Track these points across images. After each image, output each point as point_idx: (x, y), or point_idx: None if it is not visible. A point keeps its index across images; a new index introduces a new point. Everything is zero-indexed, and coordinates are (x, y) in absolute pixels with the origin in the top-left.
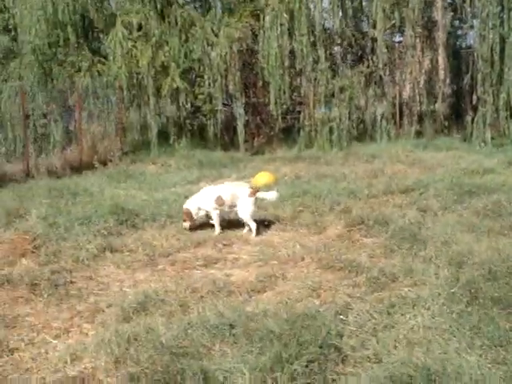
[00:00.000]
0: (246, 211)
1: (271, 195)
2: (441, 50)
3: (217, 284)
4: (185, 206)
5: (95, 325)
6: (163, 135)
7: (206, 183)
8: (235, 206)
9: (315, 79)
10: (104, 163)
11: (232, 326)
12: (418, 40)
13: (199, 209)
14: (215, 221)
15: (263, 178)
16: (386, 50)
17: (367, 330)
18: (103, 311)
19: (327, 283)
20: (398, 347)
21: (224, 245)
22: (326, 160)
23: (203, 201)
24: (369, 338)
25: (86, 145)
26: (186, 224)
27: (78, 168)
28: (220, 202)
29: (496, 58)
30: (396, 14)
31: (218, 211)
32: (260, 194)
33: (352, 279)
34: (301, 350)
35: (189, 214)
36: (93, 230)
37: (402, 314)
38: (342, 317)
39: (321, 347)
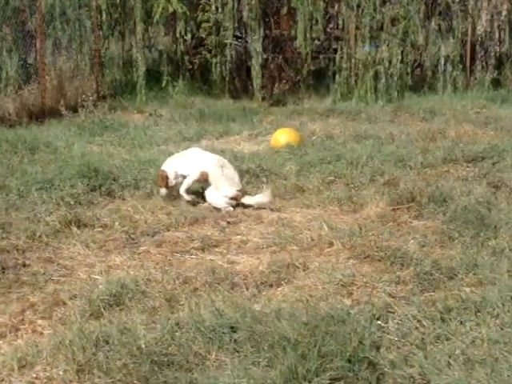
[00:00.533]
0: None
1: (260, 199)
2: None
3: (216, 274)
4: (162, 167)
5: (53, 321)
6: (153, 76)
7: (208, 141)
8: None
9: (358, 6)
10: (74, 110)
11: (234, 329)
12: None
13: (178, 176)
14: (182, 187)
15: (284, 136)
16: None
17: (413, 341)
18: (64, 304)
19: (362, 278)
20: (452, 365)
21: (228, 223)
22: (368, 115)
23: (184, 167)
24: (414, 352)
25: (49, 84)
26: (162, 190)
27: (39, 115)
28: (204, 177)
29: None
30: None
31: (195, 184)
32: (246, 200)
33: (395, 274)
34: (323, 363)
35: (164, 179)
36: (55, 198)
37: (461, 323)
38: (379, 322)
39: (350, 361)
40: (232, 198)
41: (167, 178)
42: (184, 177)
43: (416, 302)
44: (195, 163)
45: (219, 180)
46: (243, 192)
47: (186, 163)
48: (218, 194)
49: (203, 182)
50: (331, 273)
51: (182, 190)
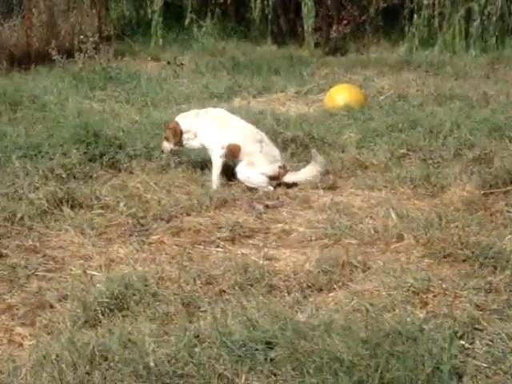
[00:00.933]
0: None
1: (307, 173)
2: None
3: (250, 272)
4: (177, 119)
5: (36, 329)
6: (174, 12)
7: (242, 100)
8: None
9: None
10: (68, 54)
11: (270, 346)
12: None
13: (195, 135)
14: (214, 171)
15: (342, 94)
16: None
17: (507, 368)
18: (51, 307)
19: (440, 283)
20: None
21: (267, 206)
22: (455, 69)
23: (206, 133)
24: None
25: (37, 20)
26: (167, 145)
27: (23, 60)
28: (234, 153)
29: None
30: None
31: (223, 159)
32: (289, 177)
33: (485, 279)
34: None
35: (176, 133)
36: (42, 169)
37: None
38: (462, 342)
39: None
40: (273, 178)
41: (181, 133)
42: (202, 146)
43: None
44: (221, 132)
45: (256, 156)
46: (286, 169)
47: (208, 128)
48: (254, 171)
49: (231, 157)
50: (400, 275)
51: (214, 176)
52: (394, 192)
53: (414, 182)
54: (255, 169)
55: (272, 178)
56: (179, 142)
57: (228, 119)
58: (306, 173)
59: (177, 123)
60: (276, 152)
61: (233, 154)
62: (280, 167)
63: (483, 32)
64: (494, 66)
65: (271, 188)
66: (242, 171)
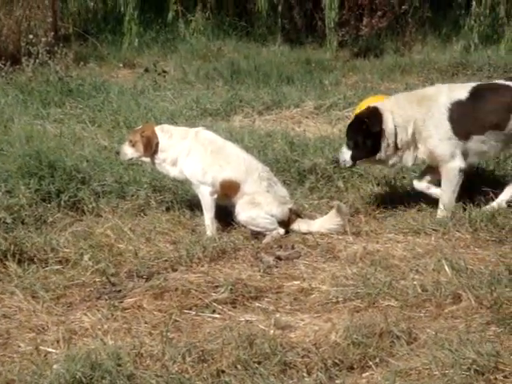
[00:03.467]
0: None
1: (326, 223)
2: None
3: (257, 346)
4: (156, 128)
5: None
6: (152, 2)
7: (244, 118)
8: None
9: None
10: (14, 60)
11: None
12: None
13: (174, 162)
14: (206, 214)
15: None
16: None
17: None
18: None
19: None
20: None
21: (278, 258)
22: None
23: (196, 160)
24: None
25: None
26: (128, 153)
27: None
28: (230, 190)
29: None
30: None
31: (212, 194)
32: (301, 225)
33: None
34: None
35: (149, 145)
36: None
37: None
38: None
39: None
40: (281, 224)
41: (156, 147)
42: (184, 178)
43: None
44: (215, 163)
45: (260, 196)
46: (297, 214)
47: (197, 156)
48: (260, 211)
49: (224, 197)
50: (457, 348)
51: (208, 220)
52: (447, 237)
53: (473, 223)
54: (261, 208)
55: (280, 224)
56: (149, 157)
57: (224, 147)
58: (323, 224)
59: (154, 133)
60: (285, 192)
61: (226, 194)
62: (290, 210)
63: None
64: None
65: (282, 231)
66: (244, 211)
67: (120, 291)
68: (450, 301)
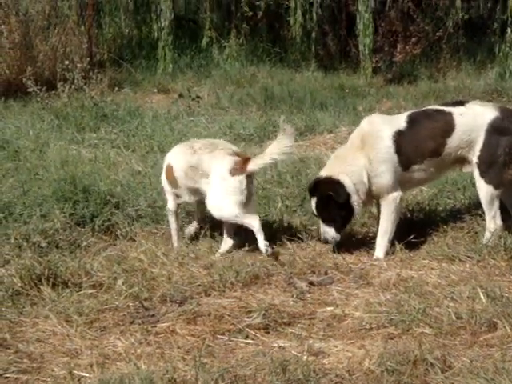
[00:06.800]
0: (221, 205)
1: (276, 149)
2: None
3: (290, 372)
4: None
5: None
6: (187, 28)
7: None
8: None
9: None
10: (49, 85)
11: None
12: None
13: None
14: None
15: None
16: None
17: None
18: None
19: None
20: None
21: (311, 284)
22: None
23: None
24: None
25: (7, 40)
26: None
27: None
28: (170, 176)
29: None
30: None
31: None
32: (255, 164)
33: None
34: None
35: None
36: (14, 236)
37: None
38: None
39: None
40: (234, 173)
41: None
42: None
43: None
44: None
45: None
46: (246, 158)
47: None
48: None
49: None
50: (493, 377)
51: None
52: (482, 265)
53: (509, 251)
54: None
55: (234, 173)
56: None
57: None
58: (273, 150)
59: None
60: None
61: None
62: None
63: None
64: None
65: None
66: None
67: (153, 316)
68: (485, 329)
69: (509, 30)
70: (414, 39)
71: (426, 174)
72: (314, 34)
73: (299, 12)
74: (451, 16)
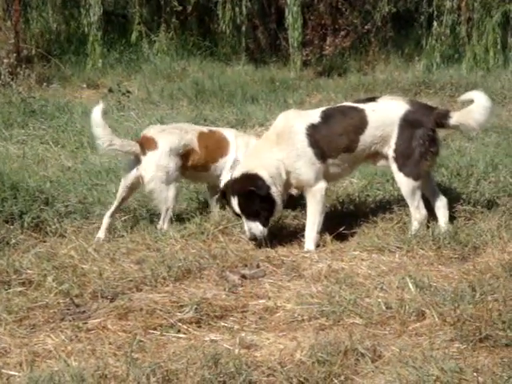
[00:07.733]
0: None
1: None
2: None
3: (222, 365)
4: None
5: None
6: (116, 23)
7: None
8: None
9: None
10: None
11: None
12: None
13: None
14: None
15: None
16: None
17: None
18: None
19: (476, 375)
20: None
21: (244, 277)
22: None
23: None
24: None
25: None
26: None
27: None
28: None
29: None
30: None
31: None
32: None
33: None
34: None
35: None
36: None
37: None
38: None
39: None
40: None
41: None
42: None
43: None
44: None
45: None
46: None
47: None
48: None
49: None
50: (421, 365)
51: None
52: (411, 255)
53: (437, 241)
54: None
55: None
56: None
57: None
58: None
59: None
60: None
61: None
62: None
63: None
64: None
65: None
66: None
67: (84, 312)
68: (413, 318)
69: (435, 23)
70: (342, 32)
71: (340, 168)
72: (244, 28)
73: (229, 6)
74: (379, 9)
